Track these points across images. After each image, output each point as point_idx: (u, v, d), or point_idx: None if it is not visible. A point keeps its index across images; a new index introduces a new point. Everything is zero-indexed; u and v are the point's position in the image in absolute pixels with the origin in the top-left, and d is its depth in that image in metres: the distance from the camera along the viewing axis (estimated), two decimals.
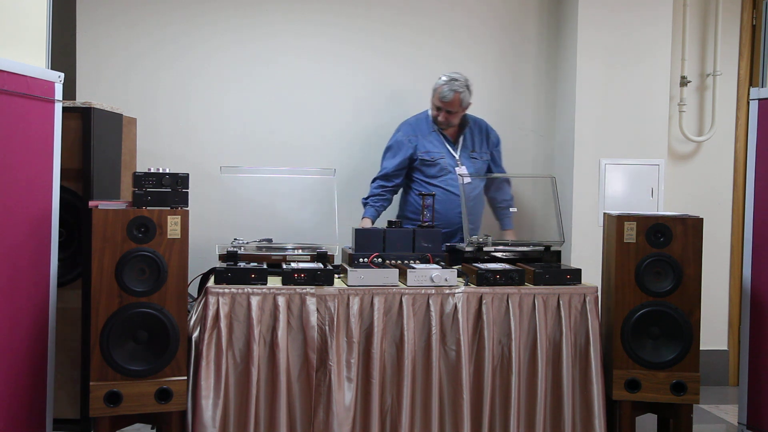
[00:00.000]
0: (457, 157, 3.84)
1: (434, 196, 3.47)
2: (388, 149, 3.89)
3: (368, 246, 3.14)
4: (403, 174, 3.87)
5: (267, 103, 4.25)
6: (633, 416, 3.00)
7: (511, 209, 3.86)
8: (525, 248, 3.30)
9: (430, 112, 3.89)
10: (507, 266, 3.08)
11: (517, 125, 4.41)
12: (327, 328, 2.80)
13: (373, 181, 3.89)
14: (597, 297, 2.98)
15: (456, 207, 3.69)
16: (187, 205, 2.76)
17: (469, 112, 3.91)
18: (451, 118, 3.80)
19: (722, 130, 4.45)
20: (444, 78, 3.75)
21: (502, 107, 4.40)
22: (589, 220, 4.11)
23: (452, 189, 3.77)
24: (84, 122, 3.29)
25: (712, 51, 4.40)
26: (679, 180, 4.43)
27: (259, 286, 2.81)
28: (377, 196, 3.84)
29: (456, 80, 3.72)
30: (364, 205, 3.85)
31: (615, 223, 2.97)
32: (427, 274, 2.90)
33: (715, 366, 4.46)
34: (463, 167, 3.83)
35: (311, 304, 2.81)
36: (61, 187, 3.02)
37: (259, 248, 3.12)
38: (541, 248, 3.28)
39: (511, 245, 3.32)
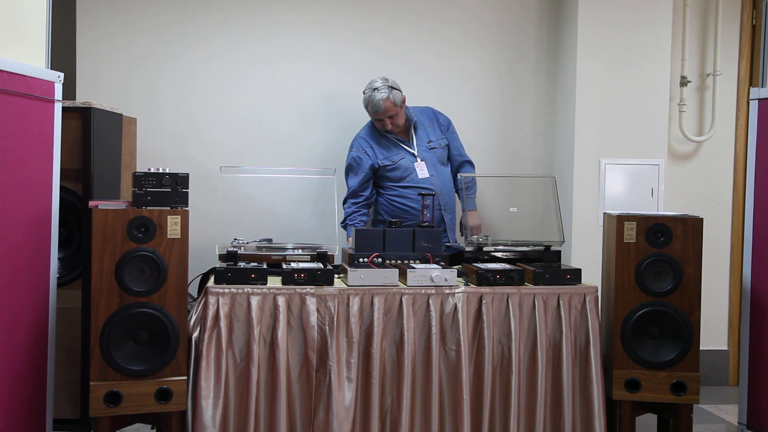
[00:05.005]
0: (415, 153, 3.84)
1: (434, 195, 3.47)
2: (348, 168, 3.88)
3: (368, 246, 3.14)
4: (371, 185, 3.88)
5: (267, 103, 4.25)
6: (633, 416, 3.00)
7: (511, 209, 3.86)
8: (525, 248, 3.30)
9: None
10: (507, 266, 3.08)
11: (517, 125, 4.41)
12: (327, 328, 2.80)
13: (344, 202, 3.88)
14: (597, 297, 2.98)
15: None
16: (187, 205, 2.76)
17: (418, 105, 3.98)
18: (396, 121, 3.80)
19: (722, 130, 4.46)
20: (368, 91, 3.75)
21: (502, 107, 4.40)
22: (589, 220, 4.11)
23: (423, 185, 3.76)
24: (84, 122, 3.29)
25: (712, 51, 4.40)
26: (679, 180, 4.43)
27: (259, 286, 2.81)
28: (354, 214, 3.83)
29: (377, 88, 3.72)
30: (345, 227, 3.83)
31: (615, 223, 2.97)
32: (427, 274, 2.90)
33: (715, 366, 4.46)
34: (423, 163, 3.83)
35: (311, 304, 2.81)
36: (61, 187, 3.02)
37: (259, 248, 3.12)
38: (541, 248, 3.28)
39: (511, 245, 3.31)
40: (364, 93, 3.78)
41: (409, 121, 3.88)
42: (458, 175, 3.76)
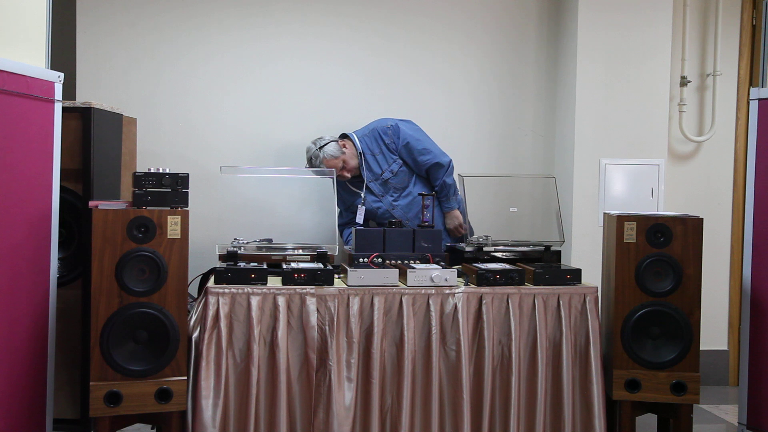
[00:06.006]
0: (374, 191, 3.80)
1: (434, 195, 3.47)
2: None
3: (368, 246, 3.14)
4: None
5: (267, 103, 4.25)
6: (633, 416, 3.00)
7: (511, 209, 3.85)
8: (525, 248, 3.30)
9: None
10: (507, 266, 3.08)
11: (517, 125, 4.41)
12: (327, 328, 2.80)
13: (341, 233, 3.89)
14: (597, 297, 2.98)
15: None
16: (187, 205, 2.76)
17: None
18: (348, 166, 3.74)
19: (722, 130, 4.46)
20: (307, 165, 3.76)
21: (502, 107, 4.40)
22: (589, 220, 4.11)
23: (386, 218, 3.74)
24: (84, 122, 3.28)
25: (712, 51, 4.40)
26: (679, 180, 4.43)
27: (259, 286, 2.81)
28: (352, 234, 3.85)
29: (311, 157, 3.71)
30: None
31: (615, 223, 2.97)
32: (427, 274, 2.90)
33: (715, 366, 4.46)
34: (363, 208, 3.78)
35: (311, 304, 2.81)
36: (61, 187, 3.02)
37: (259, 248, 3.12)
38: (541, 248, 3.28)
39: (511, 245, 3.31)
40: (306, 167, 3.77)
41: (359, 157, 3.79)
42: (460, 175, 3.74)
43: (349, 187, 3.87)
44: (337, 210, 3.37)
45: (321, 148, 3.70)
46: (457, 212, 3.83)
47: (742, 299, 3.37)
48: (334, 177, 3.39)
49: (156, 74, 4.17)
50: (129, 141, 3.76)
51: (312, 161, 3.73)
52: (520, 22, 4.38)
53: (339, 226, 3.88)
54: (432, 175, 3.79)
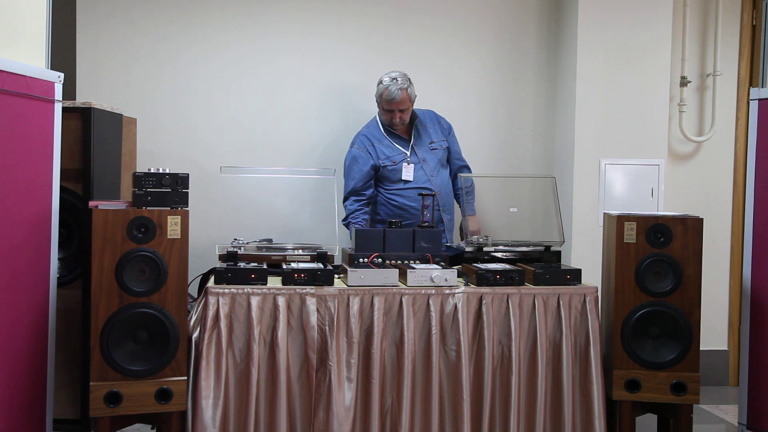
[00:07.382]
0: (417, 153, 3.83)
1: (434, 195, 3.47)
2: (350, 165, 3.85)
3: (368, 246, 3.14)
4: (372, 184, 3.87)
5: (267, 103, 4.25)
6: (633, 416, 3.00)
7: (511, 209, 3.85)
8: (525, 248, 3.30)
9: (379, 118, 3.88)
10: (507, 266, 3.08)
11: (517, 125, 4.41)
12: (327, 328, 2.80)
13: (345, 199, 3.85)
14: (597, 297, 2.98)
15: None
16: (187, 205, 2.76)
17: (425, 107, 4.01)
18: (404, 116, 3.79)
19: (722, 130, 4.46)
20: (386, 80, 3.74)
21: (502, 107, 4.40)
22: (589, 220, 4.11)
23: (422, 185, 3.77)
24: (84, 122, 3.28)
25: (712, 51, 4.40)
26: (679, 180, 4.43)
27: (259, 286, 2.81)
28: (356, 212, 3.81)
29: (395, 78, 3.72)
30: (347, 225, 3.80)
31: (615, 223, 2.97)
32: (427, 274, 2.90)
33: (715, 366, 4.46)
34: (411, 165, 3.82)
35: (311, 304, 2.81)
36: (61, 187, 3.02)
37: (259, 248, 3.12)
38: (541, 248, 3.28)
39: (511, 245, 3.31)
40: (381, 82, 3.75)
41: (412, 121, 3.88)
42: (458, 175, 3.76)
43: (391, 141, 3.85)
44: (335, 210, 3.36)
45: (410, 82, 3.75)
46: (476, 217, 3.92)
47: (742, 299, 3.37)
48: (334, 176, 3.39)
49: (156, 74, 4.17)
50: (129, 141, 3.76)
51: (393, 81, 3.70)
52: (521, 22, 4.38)
53: (349, 195, 3.84)
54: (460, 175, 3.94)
